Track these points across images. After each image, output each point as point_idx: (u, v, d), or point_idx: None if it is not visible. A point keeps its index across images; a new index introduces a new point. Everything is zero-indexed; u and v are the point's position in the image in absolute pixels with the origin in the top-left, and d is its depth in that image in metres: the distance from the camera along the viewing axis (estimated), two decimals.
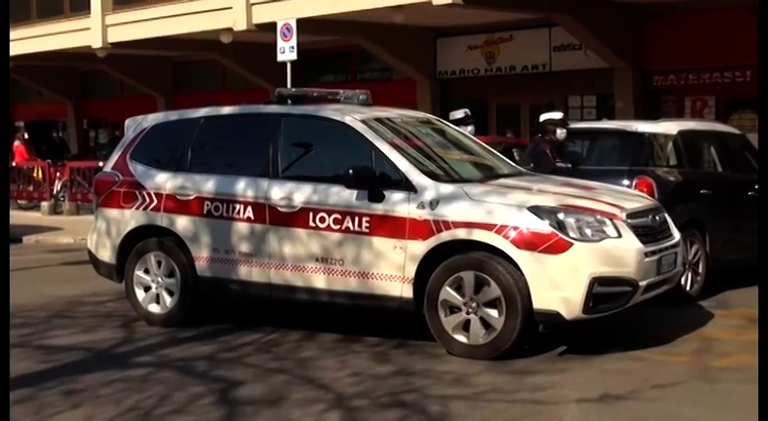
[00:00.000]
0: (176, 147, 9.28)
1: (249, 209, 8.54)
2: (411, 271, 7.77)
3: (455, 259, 7.65)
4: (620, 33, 19.14)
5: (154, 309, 9.17)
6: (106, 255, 9.46)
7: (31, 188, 23.96)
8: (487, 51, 22.20)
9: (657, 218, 8.20)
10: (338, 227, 8.07)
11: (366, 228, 7.95)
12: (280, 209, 8.39)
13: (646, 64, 19.50)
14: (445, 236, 7.64)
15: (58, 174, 23.40)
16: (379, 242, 7.89)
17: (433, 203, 7.73)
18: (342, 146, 8.46)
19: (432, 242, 7.68)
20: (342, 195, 8.09)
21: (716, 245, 10.34)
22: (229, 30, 21.15)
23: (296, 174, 8.49)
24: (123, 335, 8.82)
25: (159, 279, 9.12)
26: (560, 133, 10.71)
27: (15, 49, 23.07)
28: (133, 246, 9.25)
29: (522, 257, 7.39)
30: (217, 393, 6.76)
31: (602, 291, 7.43)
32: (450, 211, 7.65)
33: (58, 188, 23.19)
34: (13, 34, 21.69)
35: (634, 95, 19.42)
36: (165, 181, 9.09)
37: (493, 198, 7.70)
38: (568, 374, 7.17)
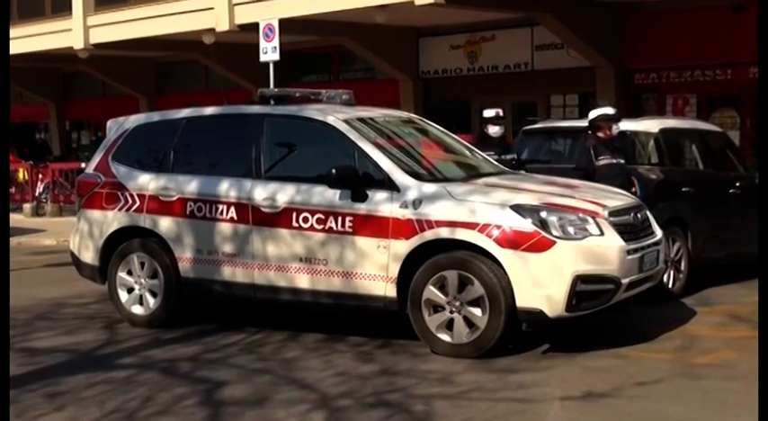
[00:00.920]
0: (159, 148, 9.26)
1: (232, 209, 8.53)
2: (394, 270, 7.77)
3: (438, 258, 7.66)
4: (602, 32, 19.18)
5: (137, 310, 9.15)
6: (89, 256, 9.44)
7: (13, 190, 23.86)
8: (470, 51, 22.20)
9: (639, 215, 8.24)
10: (321, 227, 8.07)
11: (349, 227, 7.95)
12: (263, 209, 8.38)
13: (627, 62, 19.54)
14: (428, 235, 7.65)
15: (40, 175, 23.31)
16: (362, 242, 7.89)
17: (416, 203, 7.74)
18: (325, 146, 8.46)
19: (415, 241, 7.69)
20: (325, 195, 8.09)
21: (698, 242, 10.39)
22: (212, 30, 21.09)
23: (279, 174, 8.49)
24: (106, 336, 8.79)
25: (142, 280, 9.10)
26: (615, 128, 10.05)
27: None
28: (116, 247, 9.23)
29: (505, 256, 7.41)
30: (201, 394, 6.75)
31: (585, 289, 7.45)
32: (434, 211, 7.66)
33: (41, 190, 23.10)
34: None
35: (616, 94, 19.44)
36: (147, 182, 9.07)
37: (476, 197, 7.72)
38: (552, 372, 7.18)
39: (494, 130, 10.79)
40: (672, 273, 9.94)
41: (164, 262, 8.92)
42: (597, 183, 9.00)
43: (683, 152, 11.46)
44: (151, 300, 9.06)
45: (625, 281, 7.67)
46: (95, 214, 9.36)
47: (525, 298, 7.40)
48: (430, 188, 7.85)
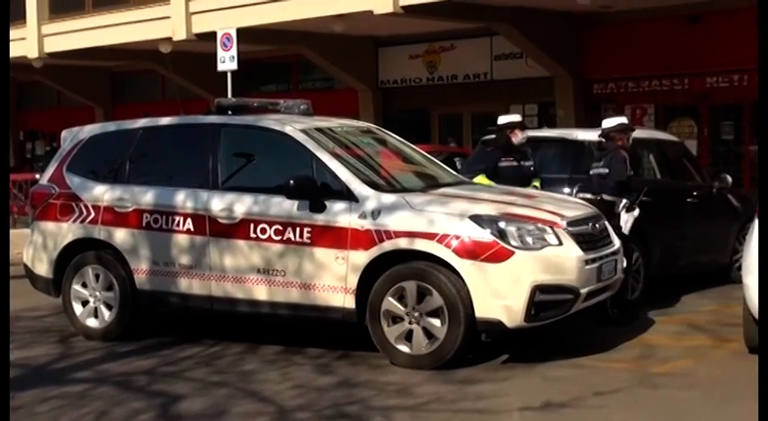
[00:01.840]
0: (114, 158, 9.19)
1: (189, 220, 8.49)
2: (353, 281, 7.77)
3: (397, 269, 7.67)
4: (561, 42, 19.33)
5: (92, 323, 9.06)
6: (43, 269, 9.34)
7: None
8: (429, 60, 22.29)
9: (598, 225, 8.29)
10: (279, 238, 8.04)
11: (307, 238, 7.93)
12: (220, 220, 8.35)
13: (586, 72, 19.71)
14: (387, 245, 7.65)
15: None
16: (320, 253, 7.88)
17: (375, 213, 7.74)
18: (282, 156, 8.45)
19: (374, 252, 7.69)
20: (283, 206, 8.07)
21: (656, 251, 10.47)
22: (168, 39, 21.01)
23: (236, 185, 8.46)
24: (61, 350, 8.70)
25: (97, 293, 9.02)
26: (630, 139, 9.90)
27: None
28: (70, 259, 9.14)
29: (463, 266, 7.43)
30: (157, 408, 6.70)
31: (544, 299, 7.48)
32: (392, 221, 7.67)
33: None
34: None
35: (575, 103, 19.61)
36: (102, 193, 9.01)
37: (435, 207, 7.73)
38: (511, 382, 7.21)
39: (521, 137, 10.21)
40: (630, 282, 10.00)
41: (119, 274, 8.86)
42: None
43: (641, 162, 11.55)
44: (106, 313, 8.99)
45: (584, 290, 7.71)
46: (49, 226, 9.27)
47: (484, 308, 7.42)
48: (389, 198, 7.86)
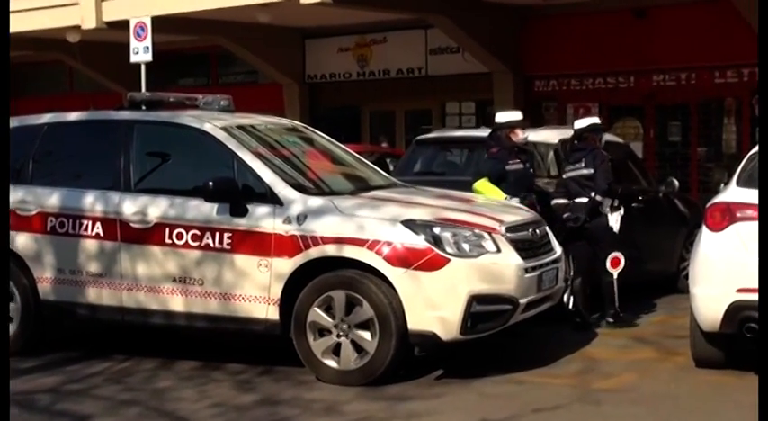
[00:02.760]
0: (16, 157, 9.02)
1: (98, 225, 8.40)
2: (277, 291, 7.75)
3: (324, 278, 7.67)
4: (500, 36, 19.46)
5: None
6: None
7: None
8: (359, 54, 22.30)
9: (538, 231, 8.37)
10: (197, 244, 8.00)
11: (228, 244, 7.90)
12: (132, 225, 8.27)
13: (526, 68, 19.88)
14: (313, 252, 7.65)
15: None
16: (242, 260, 7.85)
17: (301, 218, 7.73)
18: (201, 155, 8.41)
19: (299, 259, 7.68)
20: (201, 209, 8.02)
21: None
22: (77, 28, 20.72)
23: (150, 186, 8.40)
24: None
25: None
26: (602, 140, 10.34)
27: None
28: None
29: (395, 275, 7.45)
30: None
31: (481, 310, 7.54)
32: (319, 226, 7.66)
33: None
34: None
35: (515, 102, 19.71)
36: None
37: (365, 211, 7.75)
38: (446, 399, 7.24)
39: (522, 137, 10.17)
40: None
41: (21, 283, 8.72)
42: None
43: None
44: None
45: (523, 301, 7.78)
46: None
47: (417, 320, 7.44)
48: (315, 202, 7.85)
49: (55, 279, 8.60)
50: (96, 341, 9.35)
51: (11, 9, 21.86)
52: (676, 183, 12.01)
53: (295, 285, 7.73)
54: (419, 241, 7.48)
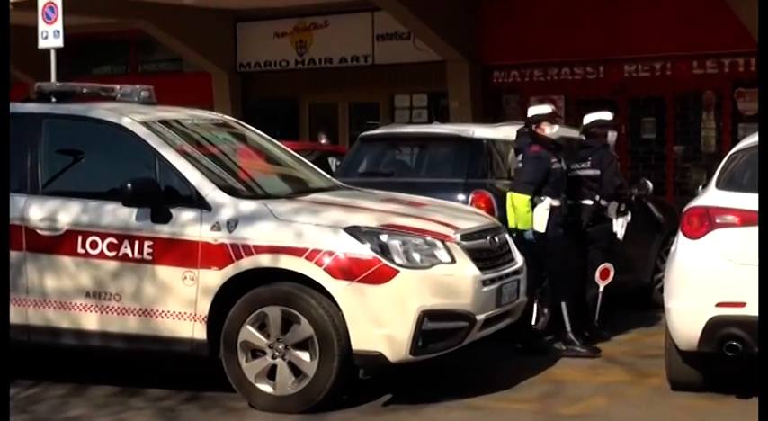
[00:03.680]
0: None
1: None
2: (204, 307, 7.72)
3: (258, 292, 7.65)
4: (455, 21, 19.54)
5: None
6: None
7: None
8: (298, 39, 22.31)
9: (497, 239, 8.41)
10: (114, 254, 7.95)
11: (149, 254, 7.86)
12: (40, 232, 8.20)
13: (484, 57, 19.97)
14: (246, 263, 7.63)
15: None
16: (164, 272, 7.82)
17: (231, 224, 7.72)
18: (118, 154, 8.38)
19: (229, 271, 7.66)
20: (118, 215, 7.98)
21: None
22: None
23: (61, 188, 8.34)
24: None
25: None
26: (611, 136, 10.43)
27: None
28: None
29: (338, 288, 7.45)
30: None
31: (434, 328, 7.55)
32: (252, 234, 7.65)
33: None
34: None
35: (471, 94, 19.84)
36: None
37: (303, 217, 7.75)
38: None
39: (551, 131, 10.04)
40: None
41: None
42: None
43: None
44: None
45: (480, 317, 7.81)
46: None
47: (362, 339, 7.45)
48: (248, 206, 7.84)
49: None
50: None
51: None
52: (650, 184, 12.08)
53: (225, 300, 7.71)
54: (364, 250, 7.49)
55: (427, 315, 7.49)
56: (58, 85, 9.43)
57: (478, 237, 8.18)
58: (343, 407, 7.66)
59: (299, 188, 8.85)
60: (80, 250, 8.06)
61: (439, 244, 7.74)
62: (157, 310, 7.85)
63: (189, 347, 7.84)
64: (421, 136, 11.66)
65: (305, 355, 7.56)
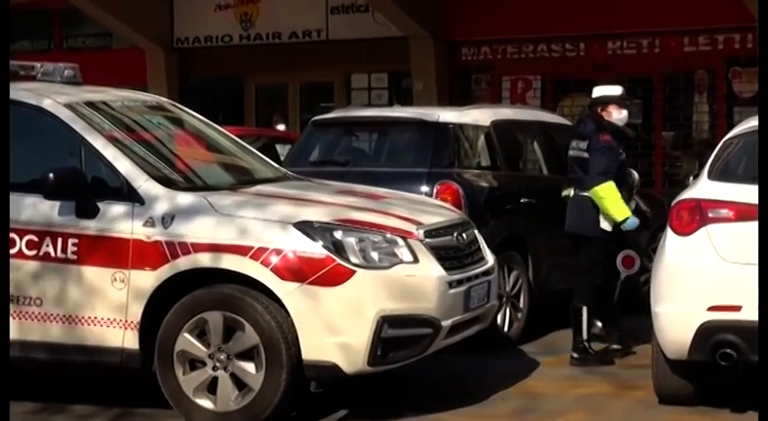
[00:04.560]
0: None
1: None
2: (136, 312, 7.69)
3: (196, 295, 7.63)
4: None
5: None
6: None
7: None
8: (243, 12, 22.27)
9: (465, 236, 8.43)
10: (34, 253, 7.91)
11: (73, 254, 7.83)
12: None
13: (451, 32, 20.00)
14: (183, 263, 7.61)
15: None
16: (91, 273, 7.78)
17: (167, 219, 7.69)
18: (39, 140, 8.34)
19: (165, 272, 7.64)
20: (39, 209, 7.94)
21: (541, 270, 10.71)
22: None
23: None
24: None
25: None
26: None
27: None
28: None
29: (287, 291, 7.44)
30: None
31: (394, 335, 7.55)
32: (190, 230, 7.63)
33: None
34: None
35: (437, 74, 19.87)
36: None
37: (248, 211, 7.73)
38: None
39: (620, 116, 10.04)
40: (508, 311, 10.20)
41: None
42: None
43: (523, 152, 11.80)
44: None
45: (446, 323, 7.82)
46: None
47: (314, 348, 7.44)
48: (186, 199, 7.82)
49: None
50: None
51: None
52: (636, 175, 12.12)
53: (159, 305, 7.68)
54: (316, 249, 7.49)
55: (387, 321, 7.49)
56: None
57: (444, 233, 8.20)
58: None
59: (243, 179, 8.83)
60: None
61: (400, 241, 7.74)
62: (83, 317, 7.81)
63: (119, 358, 7.80)
64: (380, 120, 11.67)
65: (249, 366, 7.54)
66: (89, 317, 7.81)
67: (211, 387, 7.63)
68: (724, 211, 7.62)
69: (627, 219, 9.54)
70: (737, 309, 7.40)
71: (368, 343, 7.44)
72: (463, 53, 20.24)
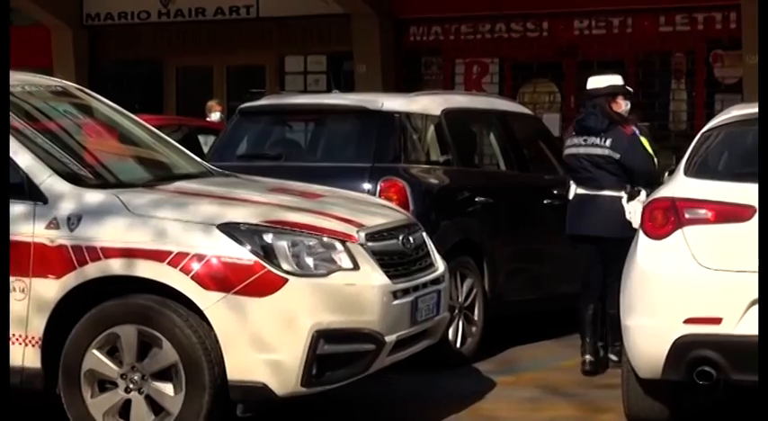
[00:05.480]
0: None
1: None
2: (38, 327, 7.65)
3: (107, 307, 7.60)
4: None
5: None
6: None
7: None
8: None
9: (412, 239, 8.44)
10: None
11: None
12: None
13: (397, 10, 20.02)
14: (92, 270, 7.57)
15: None
16: None
17: (73, 220, 7.66)
18: None
19: (71, 280, 7.59)
20: None
21: (498, 278, 10.72)
22: None
23: None
24: None
25: None
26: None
27: None
28: None
29: (210, 302, 7.42)
30: None
31: (332, 351, 7.55)
32: (100, 232, 7.60)
33: None
34: None
35: (382, 56, 19.89)
36: None
37: (166, 211, 7.71)
38: None
39: (626, 107, 10.36)
40: (460, 324, 10.22)
41: None
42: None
43: (478, 145, 11.82)
44: None
45: (390, 338, 7.82)
46: None
47: (241, 367, 7.43)
48: (95, 197, 7.79)
49: None
50: None
51: None
52: None
53: (65, 318, 7.64)
54: (243, 253, 7.47)
55: (323, 335, 7.48)
56: None
57: (388, 236, 8.20)
58: None
59: (160, 175, 8.82)
60: None
61: (338, 245, 7.74)
62: None
63: (18, 378, 7.74)
64: (317, 108, 11.65)
65: (167, 388, 7.52)
66: None
67: (124, 411, 7.60)
68: (702, 212, 7.62)
69: None
70: (717, 321, 7.41)
71: (301, 361, 7.42)
72: (411, 33, 20.27)
